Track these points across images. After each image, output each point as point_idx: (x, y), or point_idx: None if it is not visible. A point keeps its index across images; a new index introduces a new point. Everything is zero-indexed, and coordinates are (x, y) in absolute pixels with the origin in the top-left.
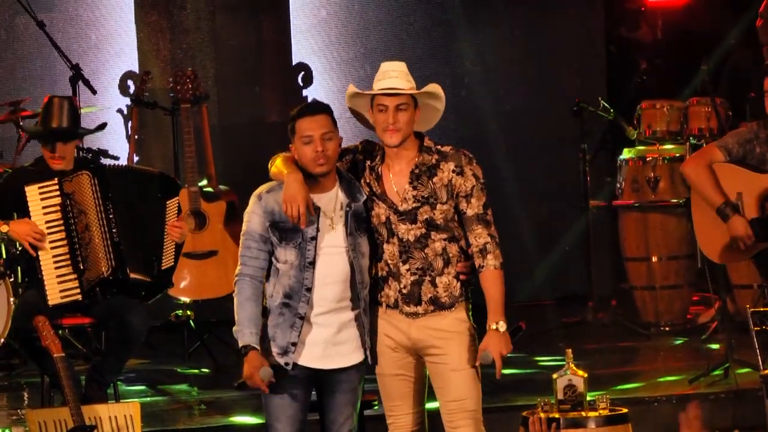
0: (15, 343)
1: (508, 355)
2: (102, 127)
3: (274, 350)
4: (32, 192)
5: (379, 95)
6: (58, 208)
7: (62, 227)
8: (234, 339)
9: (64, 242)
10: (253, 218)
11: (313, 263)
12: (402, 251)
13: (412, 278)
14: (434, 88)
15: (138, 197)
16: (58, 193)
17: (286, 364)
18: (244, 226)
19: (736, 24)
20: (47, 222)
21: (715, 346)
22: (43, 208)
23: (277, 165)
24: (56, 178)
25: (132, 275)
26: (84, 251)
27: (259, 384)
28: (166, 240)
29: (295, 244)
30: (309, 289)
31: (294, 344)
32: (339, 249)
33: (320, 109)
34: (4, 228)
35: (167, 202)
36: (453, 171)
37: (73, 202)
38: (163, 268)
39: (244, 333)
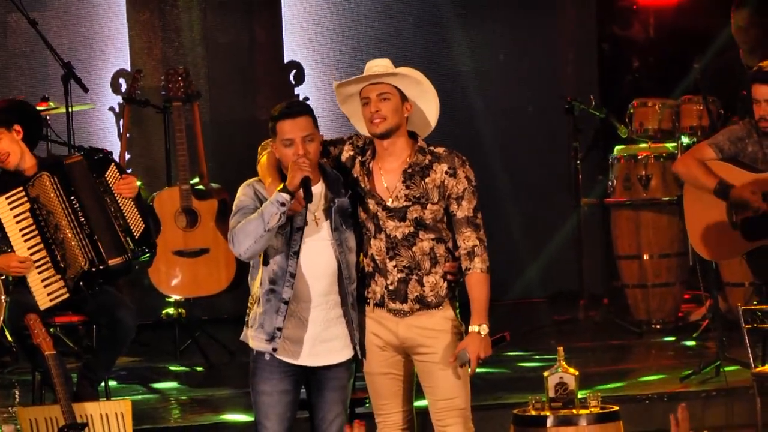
0: (5, 341)
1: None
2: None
3: (262, 337)
4: (1, 204)
5: (363, 89)
6: (29, 214)
7: (36, 232)
8: (224, 336)
9: (41, 246)
10: (244, 198)
11: (297, 252)
12: (389, 248)
13: (399, 275)
14: (409, 71)
15: (76, 187)
16: (25, 199)
17: (274, 349)
18: (234, 208)
19: (727, 22)
20: (21, 230)
21: (707, 344)
22: (15, 217)
23: (262, 165)
24: (21, 186)
25: (111, 262)
26: (60, 250)
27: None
28: (125, 210)
29: (282, 231)
30: (293, 275)
31: (279, 329)
32: (325, 243)
33: (301, 111)
34: None
35: (105, 176)
36: (446, 173)
37: (40, 205)
38: (137, 237)
39: (271, 199)
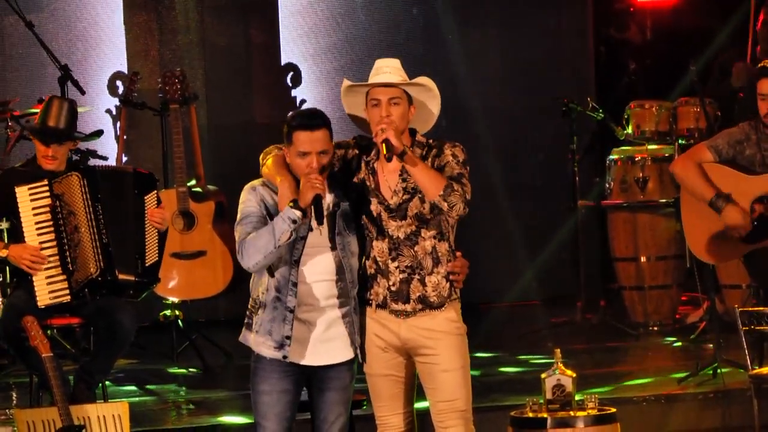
0: (3, 343)
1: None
2: (98, 133)
3: (271, 344)
4: (22, 193)
5: (373, 90)
6: (48, 209)
7: (52, 228)
8: (221, 338)
9: (53, 243)
10: (249, 204)
11: (298, 261)
12: (391, 248)
13: (401, 276)
14: (425, 80)
15: (114, 196)
16: (48, 194)
17: (284, 357)
18: (239, 215)
19: (724, 24)
20: (37, 223)
21: (704, 346)
22: (33, 209)
23: (269, 166)
24: (46, 179)
25: (120, 276)
26: (73, 252)
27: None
28: (148, 236)
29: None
30: (295, 284)
31: (288, 338)
32: (327, 248)
33: (320, 124)
34: (3, 252)
35: (145, 198)
36: (435, 156)
37: (62, 203)
38: (147, 264)
39: (282, 215)
